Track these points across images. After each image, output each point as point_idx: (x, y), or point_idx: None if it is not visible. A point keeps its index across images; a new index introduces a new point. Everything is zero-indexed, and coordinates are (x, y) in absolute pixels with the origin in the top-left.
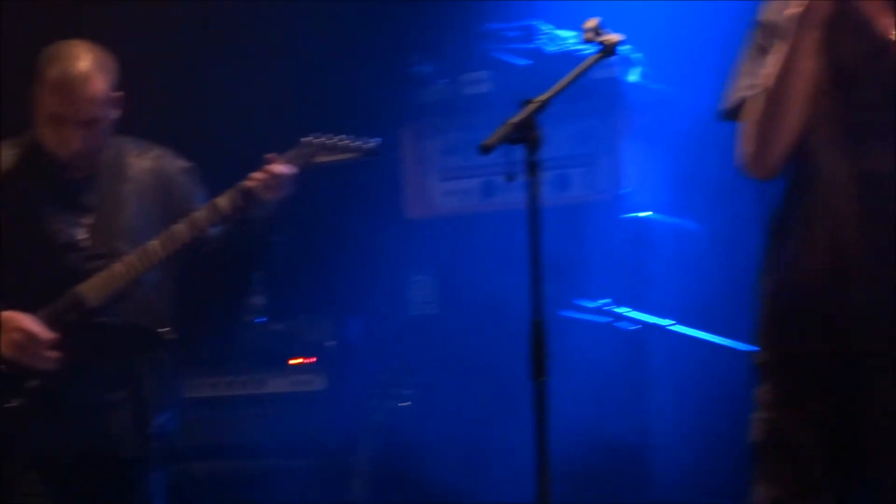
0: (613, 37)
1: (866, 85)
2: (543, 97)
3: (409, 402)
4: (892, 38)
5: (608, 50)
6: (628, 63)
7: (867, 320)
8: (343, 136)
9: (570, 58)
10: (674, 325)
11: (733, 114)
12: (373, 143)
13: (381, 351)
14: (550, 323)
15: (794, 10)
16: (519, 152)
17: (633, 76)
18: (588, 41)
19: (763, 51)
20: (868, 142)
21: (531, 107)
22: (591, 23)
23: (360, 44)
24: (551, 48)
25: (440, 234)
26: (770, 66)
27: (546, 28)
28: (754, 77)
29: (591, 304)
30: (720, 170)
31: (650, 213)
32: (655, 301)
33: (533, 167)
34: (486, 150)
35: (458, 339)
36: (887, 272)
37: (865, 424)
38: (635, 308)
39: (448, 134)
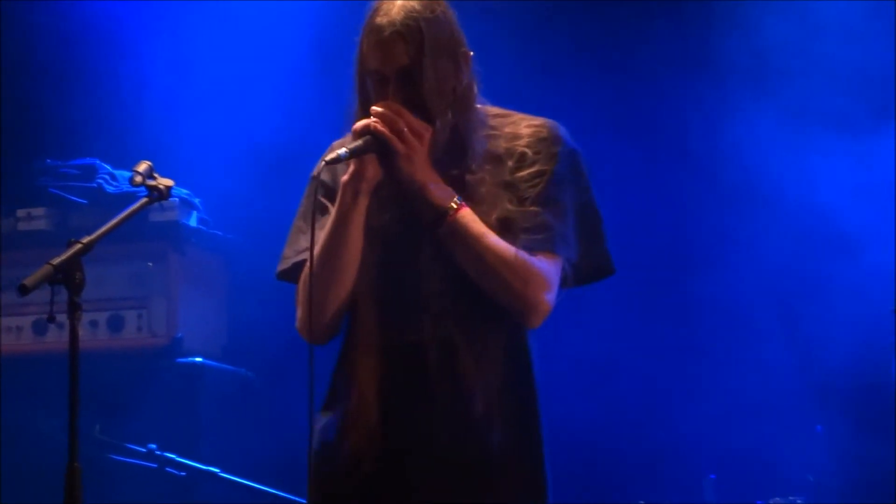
0: (164, 181)
1: (408, 255)
2: (87, 239)
3: None
4: (451, 206)
5: (159, 194)
6: (189, 207)
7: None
8: None
9: (133, 198)
10: (220, 472)
11: (289, 275)
12: None
13: None
14: (96, 467)
15: (345, 176)
16: (63, 293)
17: (192, 220)
18: (137, 185)
19: (323, 210)
20: (401, 313)
21: (74, 248)
22: (142, 166)
23: None
24: (111, 188)
25: None
26: (322, 232)
27: (107, 167)
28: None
29: (138, 449)
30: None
31: (201, 358)
32: (203, 447)
33: (73, 308)
34: (24, 290)
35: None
36: (407, 446)
37: None
38: (182, 454)
39: (2, 270)
